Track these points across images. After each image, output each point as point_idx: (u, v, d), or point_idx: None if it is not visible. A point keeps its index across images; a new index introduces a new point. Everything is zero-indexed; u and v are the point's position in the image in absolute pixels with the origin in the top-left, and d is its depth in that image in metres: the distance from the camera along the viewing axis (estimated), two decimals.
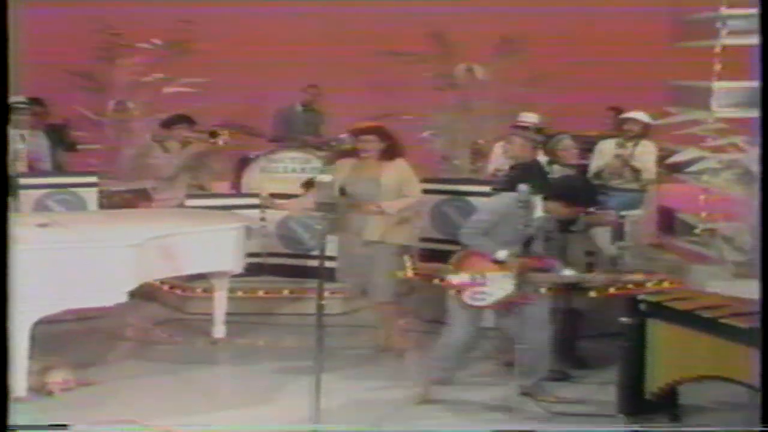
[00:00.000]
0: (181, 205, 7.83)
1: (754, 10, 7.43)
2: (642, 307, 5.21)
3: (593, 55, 10.25)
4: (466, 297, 5.50)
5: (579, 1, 10.54)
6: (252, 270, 7.24)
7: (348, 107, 9.10)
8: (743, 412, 5.35)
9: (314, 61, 10.37)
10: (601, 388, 5.79)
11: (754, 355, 4.62)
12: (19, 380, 5.46)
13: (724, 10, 7.51)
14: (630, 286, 6.18)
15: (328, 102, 9.87)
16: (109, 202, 8.56)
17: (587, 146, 8.17)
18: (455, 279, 5.53)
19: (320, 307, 5.06)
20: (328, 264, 5.62)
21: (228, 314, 6.94)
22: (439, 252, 7.33)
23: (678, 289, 6.92)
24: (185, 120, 8.38)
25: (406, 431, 5.22)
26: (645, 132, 7.89)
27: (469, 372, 6.02)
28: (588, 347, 6.40)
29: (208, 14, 10.23)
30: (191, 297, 7.59)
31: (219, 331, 6.91)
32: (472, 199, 7.59)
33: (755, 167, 6.90)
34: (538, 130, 8.24)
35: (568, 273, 5.59)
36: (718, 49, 7.54)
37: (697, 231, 7.50)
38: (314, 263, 6.75)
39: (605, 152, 7.95)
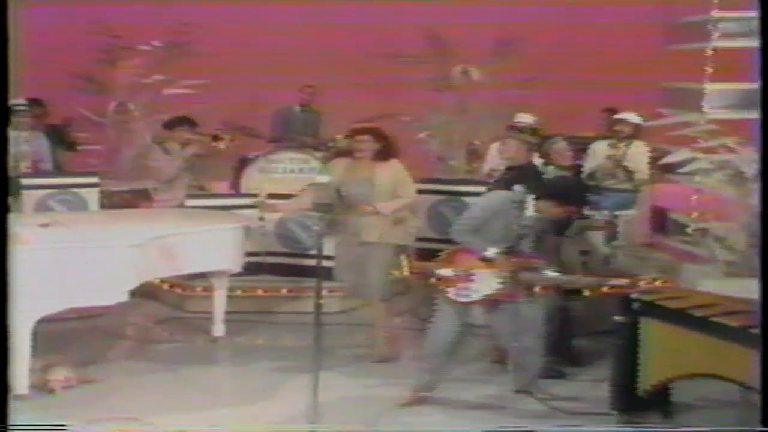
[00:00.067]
0: (181, 205, 7.83)
1: (745, 13, 7.50)
2: (635, 305, 5.22)
3: (587, 57, 10.25)
4: (452, 293, 5.50)
5: (573, 4, 10.55)
6: (251, 269, 7.24)
7: (346, 108, 9.10)
8: (734, 410, 5.38)
9: (313, 63, 10.37)
10: (594, 386, 5.79)
11: (745, 353, 4.63)
12: (21, 378, 5.46)
13: (716, 13, 7.53)
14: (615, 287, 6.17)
15: (326, 103, 9.87)
16: (110, 202, 8.56)
17: (581, 147, 8.18)
18: (442, 275, 5.52)
19: (318, 306, 5.07)
20: (325, 263, 5.63)
21: (227, 313, 6.94)
22: (435, 252, 7.31)
23: (670, 288, 6.93)
24: (186, 122, 8.38)
25: (403, 431, 5.20)
26: (637, 133, 7.90)
27: (461, 370, 6.01)
28: (582, 345, 6.41)
29: (208, 16, 10.22)
30: (191, 296, 7.59)
31: (218, 329, 6.91)
32: (467, 200, 7.58)
33: (746, 168, 6.93)
34: (533, 130, 8.27)
35: (551, 274, 5.58)
36: (709, 52, 7.56)
37: (689, 231, 7.51)
38: (312, 262, 6.75)
39: (598, 153, 7.96)
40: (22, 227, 5.62)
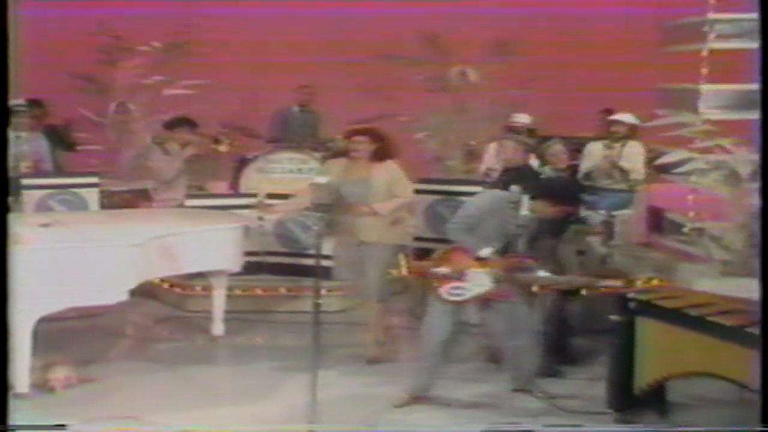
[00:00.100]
0: (181, 205, 7.83)
1: (741, 15, 7.52)
2: (631, 305, 5.23)
3: (584, 58, 10.25)
4: (444, 292, 5.50)
5: (570, 6, 10.55)
6: (250, 268, 7.23)
7: (344, 109, 9.10)
8: (730, 408, 5.39)
9: (311, 64, 10.36)
10: (591, 384, 5.80)
11: (740, 353, 4.65)
12: (21, 377, 5.47)
13: (712, 15, 7.54)
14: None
15: (325, 104, 9.87)
16: (110, 202, 8.55)
17: (578, 148, 8.19)
18: (436, 273, 5.52)
19: (317, 306, 5.07)
20: (324, 263, 5.63)
21: (226, 312, 6.95)
22: (433, 251, 7.31)
23: (666, 287, 6.94)
24: (186, 123, 8.38)
25: (401, 431, 5.19)
26: (632, 133, 7.92)
27: (457, 369, 6.01)
28: (578, 344, 6.41)
29: (207, 17, 10.22)
30: (190, 295, 7.59)
31: (218, 328, 6.91)
32: (464, 199, 7.58)
33: (742, 168, 6.94)
34: (530, 131, 8.28)
35: (544, 274, 5.58)
36: (705, 53, 7.57)
37: (685, 230, 7.52)
38: (311, 262, 6.75)
39: (594, 153, 7.98)
40: (22, 227, 5.62)
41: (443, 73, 9.86)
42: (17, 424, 4.47)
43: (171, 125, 8.42)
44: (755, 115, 7.45)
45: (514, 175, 5.81)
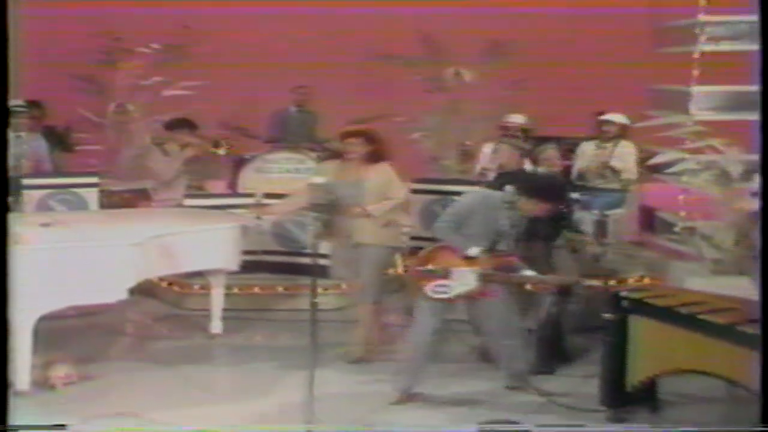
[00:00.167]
0: (180, 205, 7.83)
1: (732, 17, 7.54)
2: (624, 303, 5.23)
3: (578, 59, 10.26)
4: (429, 289, 5.50)
5: (564, 7, 10.56)
6: (248, 267, 7.22)
7: (341, 109, 9.10)
8: (719, 405, 5.40)
9: (308, 65, 10.35)
10: (584, 382, 5.80)
11: (731, 350, 4.66)
12: (22, 375, 5.47)
13: (703, 17, 7.55)
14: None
15: (322, 104, 9.87)
16: (110, 201, 8.54)
17: (571, 148, 8.21)
18: (421, 271, 5.51)
19: (313, 305, 5.07)
20: (321, 261, 5.63)
21: (225, 310, 6.95)
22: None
23: (658, 286, 6.96)
24: (187, 124, 8.38)
25: (398, 431, 5.19)
26: (623, 133, 7.94)
27: (450, 367, 6.04)
28: (571, 342, 6.42)
29: (206, 19, 10.21)
30: (189, 293, 7.59)
31: (216, 326, 6.91)
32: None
33: (732, 168, 6.96)
34: (524, 131, 8.29)
35: (528, 273, 5.57)
36: (696, 55, 7.58)
37: (676, 229, 7.53)
38: (308, 261, 6.74)
39: (587, 154, 8.00)
40: (22, 227, 5.62)
41: (439, 74, 9.86)
42: (17, 424, 4.47)
43: (171, 126, 8.42)
44: (746, 116, 7.53)
45: (509, 179, 5.81)
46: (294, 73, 10.04)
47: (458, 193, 7.71)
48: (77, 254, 5.67)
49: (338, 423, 5.12)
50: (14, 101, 6.67)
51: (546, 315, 6.20)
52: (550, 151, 6.57)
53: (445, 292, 5.47)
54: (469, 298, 5.52)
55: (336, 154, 6.62)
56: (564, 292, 6.13)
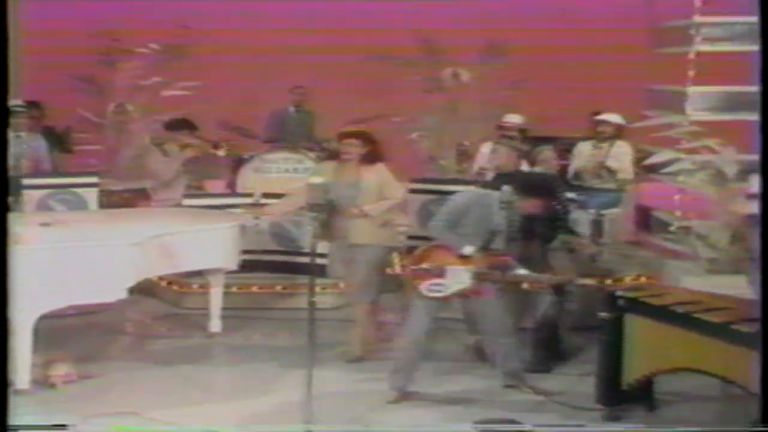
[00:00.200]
0: (179, 205, 7.83)
1: (727, 19, 7.56)
2: (620, 302, 5.24)
3: (575, 60, 10.27)
4: (423, 288, 5.50)
5: (562, 8, 10.57)
6: (246, 266, 7.23)
7: (340, 109, 9.11)
8: (715, 403, 5.42)
9: (307, 65, 10.36)
10: (580, 380, 5.82)
11: (726, 349, 4.67)
12: (22, 373, 5.47)
13: (698, 18, 7.57)
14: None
15: (320, 104, 9.88)
16: (109, 201, 8.54)
17: (568, 148, 8.21)
18: (416, 270, 5.51)
19: (311, 304, 5.07)
20: (319, 260, 5.63)
21: (223, 309, 6.95)
22: None
23: (654, 285, 6.97)
24: (187, 125, 8.38)
25: (396, 431, 5.19)
26: (619, 133, 7.95)
27: (445, 366, 6.05)
28: (568, 340, 6.43)
29: (204, 19, 10.22)
30: (188, 293, 7.60)
31: (215, 325, 6.92)
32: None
33: (727, 168, 6.97)
34: (521, 131, 8.30)
35: (522, 272, 5.58)
36: (692, 56, 7.60)
37: (672, 229, 7.54)
38: (306, 260, 6.75)
39: (583, 154, 8.01)
40: (22, 226, 5.63)
41: (437, 74, 9.86)
42: (17, 424, 4.47)
43: (171, 126, 8.43)
44: (741, 117, 7.56)
45: (506, 180, 5.81)
46: (292, 74, 10.05)
47: (456, 193, 7.75)
48: (77, 254, 5.68)
49: (337, 422, 5.12)
50: (13, 101, 6.68)
51: (542, 314, 6.21)
52: (547, 152, 6.59)
53: (439, 291, 5.47)
54: (464, 296, 5.52)
55: (334, 155, 6.62)
56: (560, 291, 6.13)
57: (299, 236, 7.68)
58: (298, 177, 8.20)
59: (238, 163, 8.95)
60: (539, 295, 6.22)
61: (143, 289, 6.99)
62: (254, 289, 7.61)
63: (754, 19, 7.36)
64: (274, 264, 7.83)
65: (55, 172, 8.24)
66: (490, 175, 7.06)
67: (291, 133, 9.44)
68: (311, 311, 5.06)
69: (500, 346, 5.62)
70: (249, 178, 8.62)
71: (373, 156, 6.29)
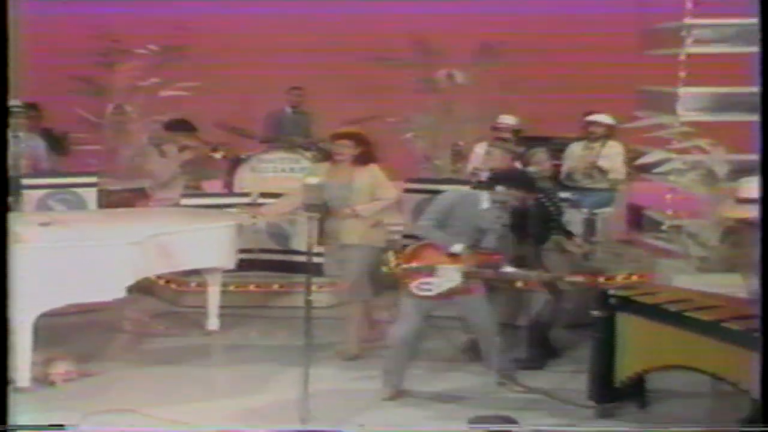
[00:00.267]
0: (177, 204, 7.83)
1: (717, 21, 7.57)
2: (612, 301, 5.25)
3: (567, 61, 10.28)
4: (414, 287, 5.49)
5: (555, 10, 10.58)
6: (244, 265, 7.23)
7: (335, 110, 9.10)
8: (705, 399, 5.44)
9: (303, 66, 10.35)
10: (573, 377, 5.82)
11: (717, 346, 4.69)
12: (22, 371, 5.47)
13: (689, 20, 7.58)
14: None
15: (316, 105, 9.87)
16: (108, 201, 8.53)
17: (561, 148, 8.22)
18: (406, 269, 5.50)
19: (308, 302, 5.07)
20: (315, 259, 5.63)
21: (221, 307, 6.95)
22: None
23: (646, 284, 6.98)
24: (186, 127, 8.37)
25: (392, 431, 5.19)
26: (610, 133, 7.97)
27: (437, 363, 6.06)
28: (561, 337, 6.44)
29: (202, 21, 10.21)
30: (186, 291, 7.59)
31: (213, 323, 6.92)
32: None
33: (718, 168, 6.99)
34: (516, 131, 8.31)
35: (511, 270, 5.58)
36: (683, 57, 7.61)
37: (663, 227, 7.56)
38: (303, 259, 6.75)
39: (575, 154, 8.03)
40: (22, 226, 5.63)
41: (431, 75, 9.87)
42: (17, 424, 4.47)
43: (170, 127, 8.41)
44: (732, 117, 7.58)
45: (501, 178, 5.80)
46: (289, 74, 10.04)
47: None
48: (76, 253, 5.67)
49: (332, 419, 5.11)
50: (12, 102, 6.67)
51: (536, 312, 6.22)
52: (540, 154, 6.58)
53: (429, 290, 5.47)
54: (455, 295, 5.51)
55: (329, 156, 6.61)
56: (553, 289, 6.14)
57: (292, 235, 7.67)
58: (294, 177, 8.19)
59: (235, 162, 8.94)
60: (533, 294, 6.23)
61: (142, 288, 6.98)
62: (251, 287, 7.61)
63: (744, 21, 7.46)
64: (271, 263, 7.83)
65: (55, 172, 8.22)
66: (484, 175, 7.07)
67: (288, 133, 9.43)
68: (308, 310, 5.06)
69: (493, 343, 5.61)
70: (246, 178, 8.61)
71: (365, 157, 6.27)
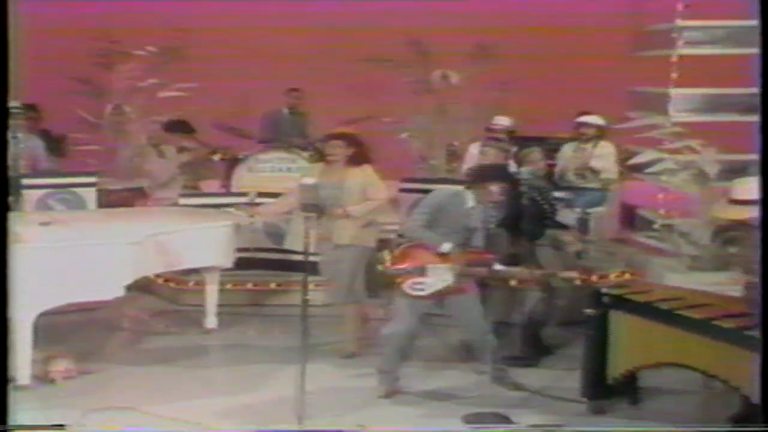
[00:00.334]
0: (176, 204, 7.82)
1: (708, 23, 7.59)
2: (604, 299, 5.26)
3: (561, 62, 10.30)
4: (406, 287, 5.48)
5: (549, 12, 10.59)
6: (241, 264, 7.22)
7: (332, 110, 9.10)
8: (697, 396, 5.45)
9: (300, 67, 10.36)
10: (566, 374, 5.83)
11: (707, 344, 4.70)
12: (23, 369, 5.47)
13: (680, 22, 7.60)
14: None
15: (313, 105, 9.87)
16: (108, 200, 8.52)
17: (555, 148, 8.24)
18: (397, 269, 5.49)
19: (305, 301, 5.07)
20: (312, 258, 5.63)
21: (219, 306, 6.95)
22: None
23: (638, 282, 6.99)
24: (185, 128, 8.36)
25: (390, 430, 5.19)
26: (602, 134, 7.98)
27: (432, 361, 6.07)
28: (554, 335, 6.45)
29: (200, 22, 10.20)
30: (184, 290, 7.59)
31: (211, 321, 6.92)
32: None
33: (709, 168, 7.01)
34: (510, 132, 8.31)
35: (499, 268, 5.57)
36: (674, 58, 7.63)
37: (656, 226, 7.58)
38: (299, 258, 6.75)
39: (567, 155, 8.04)
40: (23, 226, 5.62)
41: (426, 76, 9.87)
42: (17, 424, 4.47)
43: (169, 128, 8.39)
44: (722, 118, 7.60)
45: (479, 174, 5.79)
46: (286, 75, 10.04)
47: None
48: (76, 252, 5.67)
49: (329, 416, 5.11)
50: (12, 103, 6.66)
51: (530, 310, 6.22)
52: (535, 154, 6.59)
53: (422, 290, 5.46)
54: (448, 294, 5.51)
55: (324, 156, 6.60)
56: (546, 287, 6.15)
57: (287, 234, 7.67)
58: (291, 176, 8.18)
59: (232, 162, 8.93)
60: (526, 292, 6.24)
61: (141, 287, 6.99)
62: (249, 286, 7.61)
63: (734, 23, 7.48)
64: (269, 262, 7.83)
65: (55, 172, 8.21)
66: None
67: (284, 133, 9.43)
68: (304, 308, 5.07)
69: (486, 342, 5.61)
70: (243, 178, 8.61)
71: (358, 157, 6.24)
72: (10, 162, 5.32)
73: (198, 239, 6.48)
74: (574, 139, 8.14)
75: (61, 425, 4.59)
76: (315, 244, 6.06)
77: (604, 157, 7.88)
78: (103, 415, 5.10)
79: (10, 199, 4.94)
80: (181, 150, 8.28)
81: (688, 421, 5.17)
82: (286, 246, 7.61)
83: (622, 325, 5.18)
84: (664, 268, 7.09)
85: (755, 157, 4.26)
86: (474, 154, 8.02)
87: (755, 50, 4.25)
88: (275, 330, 6.89)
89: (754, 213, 4.68)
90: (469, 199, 5.54)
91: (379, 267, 6.07)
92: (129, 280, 5.81)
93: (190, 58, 9.89)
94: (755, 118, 4.22)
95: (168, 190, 8.16)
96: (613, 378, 5.25)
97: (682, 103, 7.58)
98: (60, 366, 5.75)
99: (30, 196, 7.66)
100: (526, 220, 6.15)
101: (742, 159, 6.92)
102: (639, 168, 7.61)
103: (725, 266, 6.71)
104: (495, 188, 5.54)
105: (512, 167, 6.84)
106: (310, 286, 5.28)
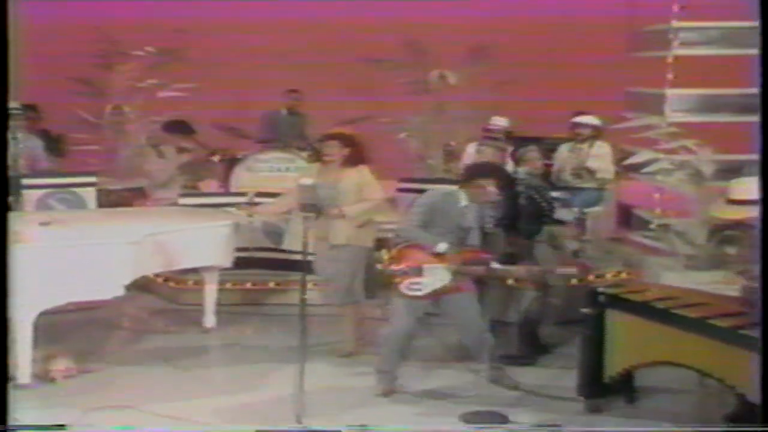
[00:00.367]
0: (175, 204, 7.82)
1: (703, 24, 7.61)
2: (601, 298, 5.26)
3: (558, 63, 10.31)
4: (403, 287, 5.47)
5: (546, 13, 10.60)
6: (240, 264, 7.21)
7: (330, 110, 9.10)
8: (693, 394, 5.46)
9: (299, 68, 10.36)
10: (562, 373, 5.84)
11: (703, 343, 4.70)
12: (23, 368, 5.47)
13: (676, 23, 7.61)
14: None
15: (311, 106, 9.87)
16: (108, 200, 8.52)
17: (552, 148, 8.24)
18: (395, 269, 5.48)
19: (303, 300, 5.07)
20: (311, 258, 5.63)
21: (218, 305, 6.95)
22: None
23: (634, 281, 6.99)
24: (185, 129, 8.35)
25: (389, 429, 5.20)
26: (598, 134, 7.98)
27: (430, 361, 6.07)
28: (551, 334, 6.45)
29: (199, 23, 10.20)
30: (184, 289, 7.59)
31: (210, 320, 6.91)
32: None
33: (704, 168, 7.02)
34: (507, 133, 8.32)
35: (496, 266, 5.56)
36: (670, 59, 7.64)
37: (652, 226, 7.58)
38: (298, 257, 6.74)
39: (563, 155, 8.05)
40: (23, 225, 5.62)
41: (424, 77, 9.87)
42: (18, 424, 4.47)
43: (169, 129, 8.39)
44: (718, 118, 7.62)
45: (479, 170, 5.78)
46: (285, 76, 10.04)
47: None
48: (76, 252, 5.67)
49: (327, 415, 5.11)
50: (12, 104, 6.65)
51: (526, 308, 6.22)
52: (532, 154, 6.59)
53: (419, 290, 5.45)
54: (445, 293, 5.50)
55: (321, 156, 6.59)
56: (543, 286, 6.15)
57: (286, 233, 7.67)
58: (290, 176, 8.17)
59: (231, 162, 8.93)
60: (523, 290, 6.24)
61: (140, 286, 6.98)
62: (248, 285, 7.60)
63: (729, 24, 7.50)
64: (267, 261, 7.82)
65: (54, 172, 8.21)
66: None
67: (283, 134, 9.43)
68: (303, 307, 5.07)
69: (483, 341, 5.61)
70: (242, 178, 8.61)
71: (354, 157, 6.21)
72: (10, 162, 5.33)
73: (197, 239, 6.48)
74: (570, 140, 8.14)
75: (62, 425, 4.59)
76: (313, 244, 6.10)
77: (600, 157, 7.88)
78: (103, 414, 5.10)
79: (10, 199, 4.94)
80: (180, 150, 8.28)
81: (684, 419, 5.17)
82: (285, 246, 7.60)
83: (618, 324, 5.18)
84: (660, 268, 7.10)
85: (751, 156, 4.26)
86: (471, 154, 8.02)
87: (750, 51, 4.25)
88: (274, 329, 6.89)
89: (751, 213, 4.69)
90: (462, 198, 5.54)
91: (379, 266, 6.08)
92: (128, 280, 5.81)
93: (189, 58, 9.89)
94: (750, 118, 4.22)
95: (167, 190, 8.16)
96: (610, 377, 5.25)
97: (678, 103, 7.60)
98: (60, 365, 5.74)
99: (30, 196, 7.66)
100: (523, 219, 6.15)
101: (738, 159, 6.93)
102: (635, 168, 7.62)
103: (721, 266, 6.72)
104: (488, 186, 5.53)
105: (509, 167, 6.85)
106: (309, 286, 5.28)
